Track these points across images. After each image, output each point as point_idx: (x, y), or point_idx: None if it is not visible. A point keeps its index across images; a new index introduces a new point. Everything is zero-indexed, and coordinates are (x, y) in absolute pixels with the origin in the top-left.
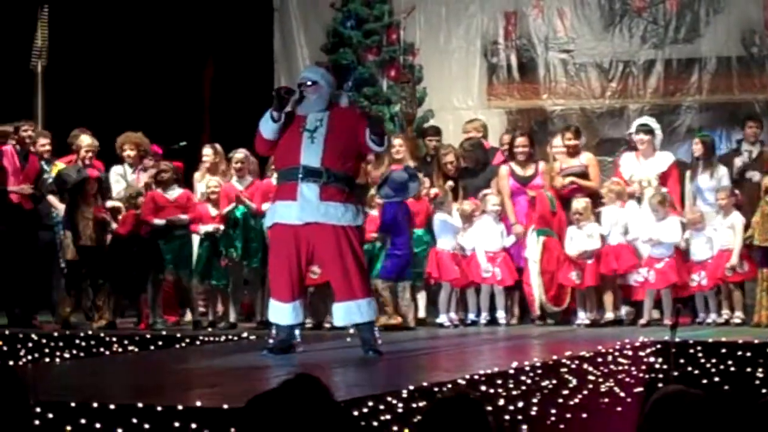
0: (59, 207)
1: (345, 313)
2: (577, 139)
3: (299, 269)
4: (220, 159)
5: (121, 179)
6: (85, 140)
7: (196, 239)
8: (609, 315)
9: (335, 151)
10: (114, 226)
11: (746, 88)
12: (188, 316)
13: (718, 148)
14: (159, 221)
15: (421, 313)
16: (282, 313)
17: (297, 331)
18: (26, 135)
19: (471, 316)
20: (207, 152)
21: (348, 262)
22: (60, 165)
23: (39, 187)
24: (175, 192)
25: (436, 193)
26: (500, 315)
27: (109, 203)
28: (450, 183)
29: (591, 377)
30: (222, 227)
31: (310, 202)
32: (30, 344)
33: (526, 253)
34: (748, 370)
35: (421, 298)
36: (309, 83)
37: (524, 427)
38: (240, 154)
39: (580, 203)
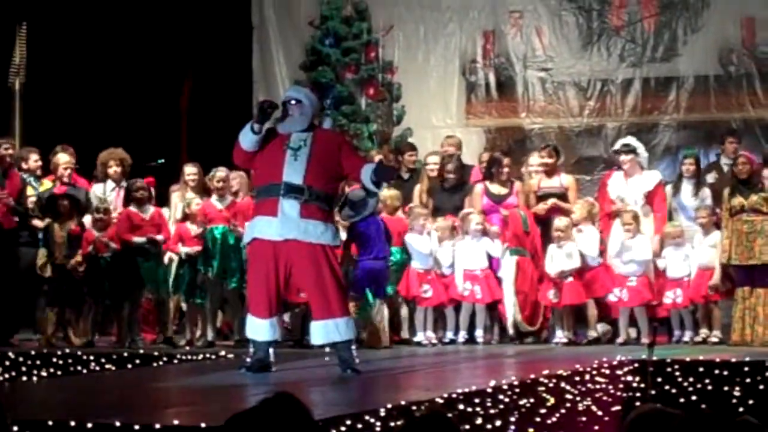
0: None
1: (323, 331)
2: (554, 158)
3: (277, 285)
4: (201, 177)
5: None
6: (63, 158)
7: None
8: (592, 333)
9: (318, 170)
10: (113, 245)
11: (724, 106)
12: (169, 332)
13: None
14: (139, 239)
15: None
16: (259, 329)
17: (271, 350)
18: (6, 153)
19: (449, 335)
20: (191, 170)
21: (326, 280)
22: (47, 183)
23: (23, 203)
24: (150, 210)
25: (410, 206)
26: (478, 334)
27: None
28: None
29: (569, 396)
30: (199, 248)
31: (291, 218)
32: (7, 362)
33: (500, 272)
34: (726, 388)
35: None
36: (293, 102)
37: None
38: (221, 172)
39: (561, 221)
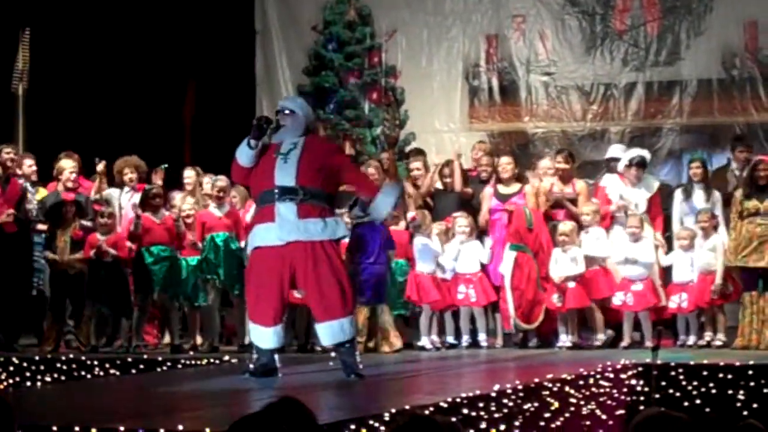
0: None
1: (329, 332)
2: (569, 164)
3: (282, 293)
4: (199, 182)
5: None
6: (67, 163)
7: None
8: (600, 336)
9: (309, 170)
10: (113, 251)
11: (727, 110)
12: (167, 339)
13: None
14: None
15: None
16: (264, 337)
17: (276, 356)
18: (8, 158)
19: (450, 339)
20: (189, 174)
21: (328, 279)
22: (42, 191)
23: (22, 210)
24: (164, 215)
25: (412, 216)
26: (481, 338)
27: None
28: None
29: (573, 400)
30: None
31: (289, 220)
32: (11, 368)
33: (500, 268)
34: (730, 392)
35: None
36: (286, 111)
37: None
38: (222, 181)
39: (566, 226)
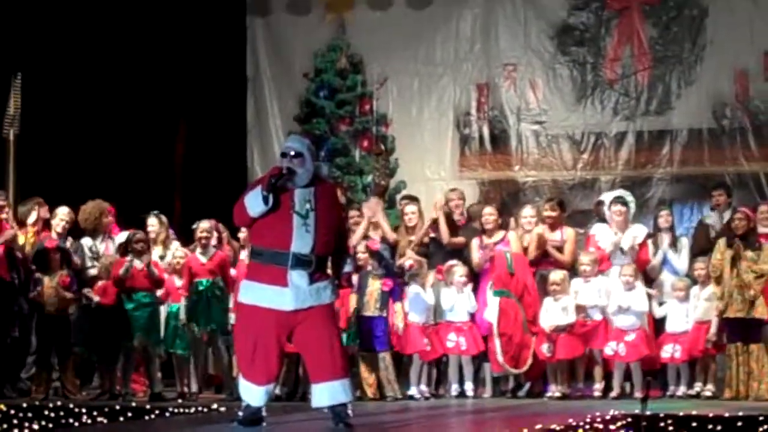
0: None
1: (329, 393)
2: (556, 212)
3: (281, 354)
4: (164, 229)
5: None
6: (61, 210)
7: (164, 309)
8: (597, 386)
9: (325, 237)
10: (96, 298)
11: (717, 160)
12: (159, 387)
13: (689, 219)
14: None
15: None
16: (255, 394)
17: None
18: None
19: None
20: (152, 222)
21: (333, 340)
22: (21, 239)
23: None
24: (143, 261)
25: (410, 264)
26: (468, 387)
27: (92, 272)
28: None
29: None
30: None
31: (302, 289)
32: None
33: (486, 314)
34: None
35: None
36: (293, 153)
37: None
38: (205, 224)
39: (557, 275)
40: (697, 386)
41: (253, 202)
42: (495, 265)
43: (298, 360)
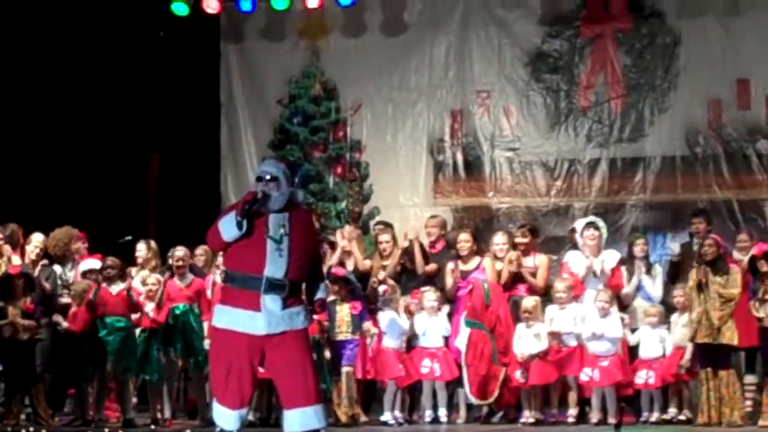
0: None
1: (301, 419)
2: (528, 238)
3: (253, 377)
4: (153, 255)
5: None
6: (36, 237)
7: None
8: (572, 411)
9: (299, 262)
10: (64, 324)
11: (690, 187)
12: (131, 413)
13: (663, 246)
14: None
15: None
16: (229, 419)
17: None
18: None
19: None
20: (140, 247)
21: (306, 366)
22: None
23: None
24: (119, 287)
25: (384, 289)
26: (441, 413)
27: (64, 299)
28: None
29: None
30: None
31: (275, 314)
32: None
33: (456, 342)
34: None
35: None
36: (268, 177)
37: None
38: (180, 251)
39: (529, 302)
40: (672, 411)
41: (227, 228)
42: (472, 296)
43: (271, 386)
